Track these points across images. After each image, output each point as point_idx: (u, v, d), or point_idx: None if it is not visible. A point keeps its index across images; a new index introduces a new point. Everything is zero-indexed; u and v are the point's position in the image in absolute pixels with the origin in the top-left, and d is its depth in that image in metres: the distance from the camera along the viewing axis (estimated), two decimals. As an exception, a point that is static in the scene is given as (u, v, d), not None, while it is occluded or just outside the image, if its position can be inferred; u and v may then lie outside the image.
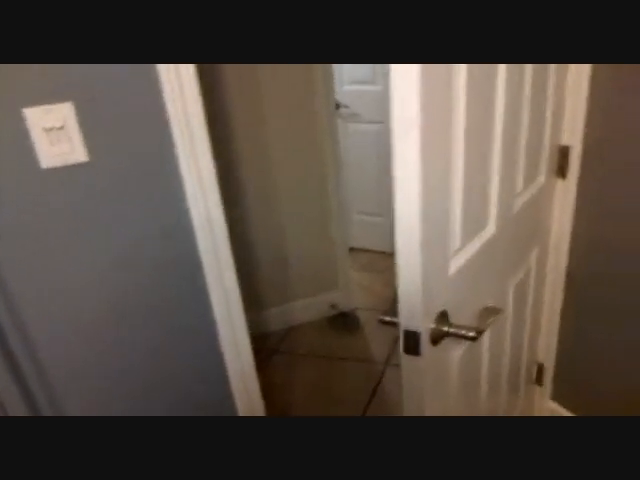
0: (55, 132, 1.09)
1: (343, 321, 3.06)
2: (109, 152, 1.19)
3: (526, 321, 1.62)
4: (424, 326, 0.97)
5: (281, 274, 2.94)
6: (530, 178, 1.38)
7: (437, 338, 1.02)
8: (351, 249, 3.66)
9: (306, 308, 3.07)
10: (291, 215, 2.80)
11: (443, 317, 1.03)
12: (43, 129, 1.09)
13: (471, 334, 0.99)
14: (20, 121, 1.09)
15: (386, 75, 3.16)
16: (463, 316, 1.12)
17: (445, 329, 1.02)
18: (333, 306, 3.10)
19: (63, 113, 1.09)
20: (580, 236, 1.65)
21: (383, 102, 3.24)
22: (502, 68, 1.06)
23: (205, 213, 1.32)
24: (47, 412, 1.37)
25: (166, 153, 1.25)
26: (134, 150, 1.22)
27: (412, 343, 0.99)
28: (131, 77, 1.16)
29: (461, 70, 0.91)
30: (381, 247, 3.70)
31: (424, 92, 0.79)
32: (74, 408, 1.40)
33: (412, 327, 0.97)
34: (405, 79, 0.78)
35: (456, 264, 1.06)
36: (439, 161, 0.90)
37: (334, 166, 2.75)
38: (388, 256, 3.65)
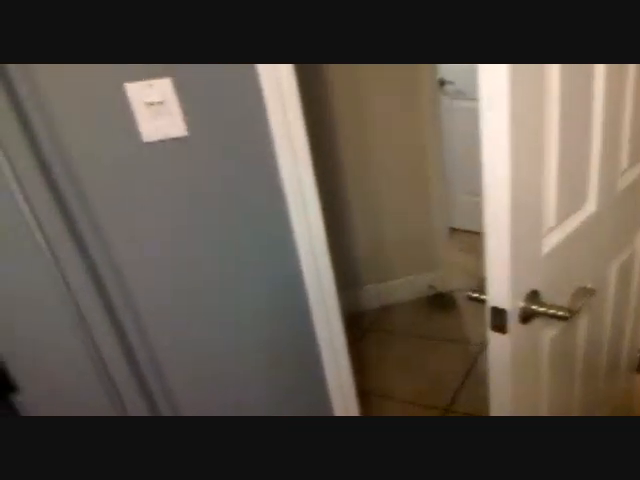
0: (156, 106, 1.16)
1: (440, 302, 3.01)
2: (207, 128, 1.24)
3: (629, 305, 1.51)
4: (512, 304, 0.94)
5: (379, 252, 2.94)
6: (637, 156, 1.27)
7: (527, 317, 0.99)
8: (454, 230, 3.58)
9: (403, 287, 3.05)
10: (391, 194, 2.78)
11: (534, 296, 0.99)
12: (145, 103, 1.15)
13: (561, 313, 0.95)
14: (123, 95, 1.15)
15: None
16: (558, 296, 1.06)
17: (535, 308, 0.97)
18: (431, 286, 3.06)
19: (163, 88, 1.15)
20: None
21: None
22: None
23: (300, 195, 1.34)
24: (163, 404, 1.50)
25: (260, 126, 1.28)
26: (232, 131, 1.27)
27: (499, 320, 0.96)
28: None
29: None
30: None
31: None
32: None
33: (499, 304, 0.94)
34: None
35: (550, 243, 1.01)
36: (531, 132, 0.85)
37: (436, 144, 2.69)
38: (490, 237, 3.52)
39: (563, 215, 1.03)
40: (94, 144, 1.19)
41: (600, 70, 0.99)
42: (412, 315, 2.94)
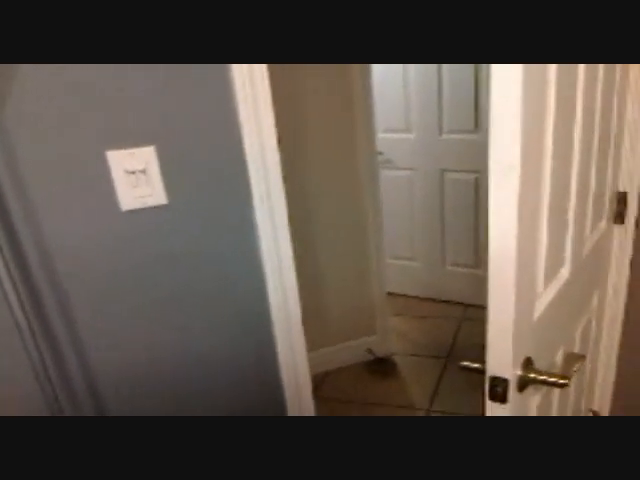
0: (137, 175, 1.11)
1: (380, 366, 3.01)
2: (187, 195, 1.21)
3: (586, 367, 1.58)
4: (512, 373, 0.95)
5: (318, 318, 2.92)
6: (595, 222, 1.37)
7: (523, 385, 1.00)
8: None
9: (342, 352, 3.04)
10: (329, 259, 2.80)
11: (529, 363, 1.01)
12: (125, 171, 1.10)
13: (561, 381, 0.97)
14: (103, 163, 1.11)
15: (418, 124, 3.21)
16: (544, 362, 1.09)
17: (532, 376, 0.99)
18: (369, 351, 3.06)
19: (145, 156, 1.11)
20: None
21: (415, 149, 3.29)
22: (578, 111, 1.07)
23: (276, 256, 1.33)
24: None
25: (242, 196, 1.27)
26: (211, 193, 1.24)
27: (500, 390, 0.96)
28: (211, 124, 1.19)
29: (550, 114, 0.92)
30: (414, 291, 3.68)
31: (524, 136, 0.80)
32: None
33: (501, 373, 0.95)
34: (506, 126, 0.79)
35: (539, 308, 1.04)
36: (530, 204, 0.90)
37: (373, 210, 2.76)
38: (421, 300, 3.63)
39: (547, 280, 1.07)
40: (70, 212, 1.12)
41: (578, 137, 1.07)
42: (353, 381, 2.92)
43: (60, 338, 1.21)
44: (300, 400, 1.60)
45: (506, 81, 0.76)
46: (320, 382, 2.94)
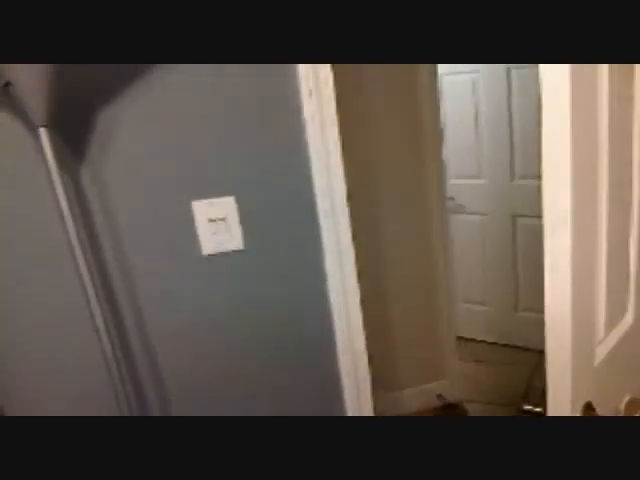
0: (217, 223, 1.23)
1: (450, 413, 2.98)
2: (262, 241, 1.33)
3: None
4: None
5: (387, 362, 2.94)
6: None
7: (583, 430, 1.01)
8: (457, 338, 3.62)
9: (411, 397, 3.02)
10: (399, 301, 2.83)
11: (589, 408, 1.02)
12: (208, 220, 1.23)
13: (623, 427, 0.97)
14: (188, 212, 1.24)
15: (490, 170, 3.24)
16: (607, 407, 1.09)
17: (593, 420, 1.00)
18: (440, 396, 3.04)
19: (225, 206, 1.23)
20: None
21: (486, 195, 3.31)
22: (636, 152, 1.09)
23: (344, 300, 1.41)
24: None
25: (313, 245, 1.38)
26: (284, 240, 1.35)
27: (559, 434, 0.98)
28: (284, 176, 1.31)
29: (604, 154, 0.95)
30: (487, 337, 3.63)
31: (574, 183, 0.84)
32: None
33: (560, 417, 0.97)
34: (558, 175, 0.84)
35: (601, 354, 1.05)
36: (587, 252, 0.93)
37: (444, 256, 2.79)
38: (492, 346, 3.57)
39: (609, 327, 1.08)
40: (156, 255, 1.25)
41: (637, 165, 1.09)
42: (422, 427, 2.89)
43: (142, 374, 1.33)
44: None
45: (555, 123, 0.81)
46: (389, 426, 2.93)
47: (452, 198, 3.40)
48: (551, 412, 0.98)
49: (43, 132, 1.02)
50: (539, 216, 3.05)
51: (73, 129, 1.16)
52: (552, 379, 0.97)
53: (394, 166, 2.58)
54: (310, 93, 1.26)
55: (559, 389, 0.96)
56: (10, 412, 1.26)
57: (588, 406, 1.02)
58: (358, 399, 1.54)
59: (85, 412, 1.30)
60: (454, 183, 3.39)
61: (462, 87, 3.18)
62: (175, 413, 1.38)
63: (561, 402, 0.97)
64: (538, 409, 1.06)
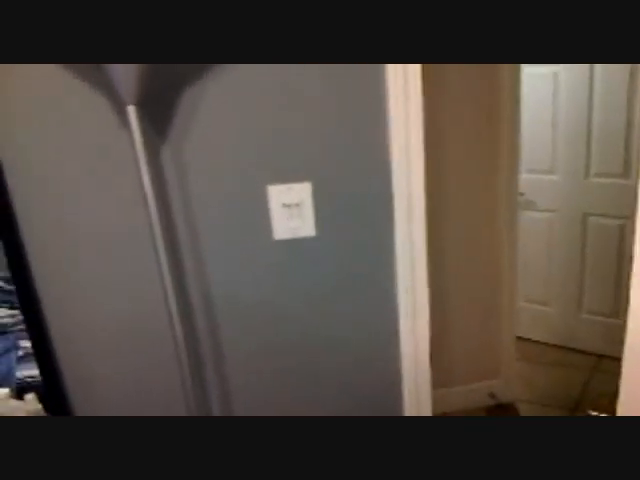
0: (292, 208, 1.23)
1: (501, 413, 2.92)
2: (334, 228, 1.32)
3: None
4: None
5: (442, 357, 2.90)
6: None
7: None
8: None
9: (463, 395, 2.98)
10: (459, 296, 2.78)
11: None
12: (282, 205, 1.23)
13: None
14: (264, 196, 1.25)
15: (564, 166, 3.12)
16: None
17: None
18: (492, 395, 2.98)
19: (301, 192, 1.23)
20: None
21: (558, 192, 3.20)
22: None
23: (412, 291, 1.39)
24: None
25: (385, 240, 1.37)
26: (355, 228, 1.34)
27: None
28: (362, 163, 1.30)
29: None
30: (545, 338, 3.53)
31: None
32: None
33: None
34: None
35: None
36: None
37: (510, 251, 2.72)
38: (551, 347, 3.48)
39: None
40: (228, 237, 1.26)
41: None
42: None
43: (206, 357, 1.36)
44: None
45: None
46: (439, 420, 2.90)
47: (522, 193, 3.30)
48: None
49: (132, 110, 1.04)
50: (612, 216, 2.93)
51: (158, 110, 1.18)
52: (626, 385, 0.94)
53: (466, 156, 2.52)
54: (396, 94, 1.24)
55: (633, 394, 0.93)
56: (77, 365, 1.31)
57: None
58: (417, 397, 1.53)
59: (152, 381, 1.35)
60: (525, 178, 3.28)
61: (542, 79, 3.08)
62: (237, 398, 1.40)
63: (632, 409, 0.93)
64: (604, 415, 1.03)
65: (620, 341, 3.16)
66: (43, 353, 1.25)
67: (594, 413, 1.07)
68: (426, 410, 1.56)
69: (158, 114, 1.18)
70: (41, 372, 1.26)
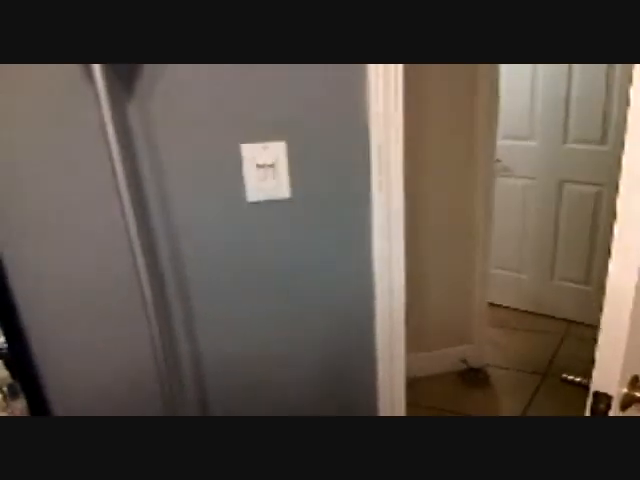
0: (266, 169, 1.21)
1: (472, 377, 2.98)
2: (309, 190, 1.30)
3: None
4: (617, 390, 0.94)
5: (415, 322, 2.93)
6: None
7: (627, 404, 0.99)
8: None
9: (436, 359, 3.02)
10: (433, 262, 2.79)
11: (636, 382, 0.99)
12: (256, 165, 1.20)
13: (672, 404, 0.95)
14: (237, 155, 1.21)
15: (542, 132, 3.13)
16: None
17: (638, 395, 0.98)
18: (464, 360, 3.03)
19: (276, 151, 1.21)
20: None
21: (535, 158, 3.21)
22: None
23: (388, 254, 1.38)
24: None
25: (361, 197, 1.35)
26: (331, 190, 1.32)
27: (602, 407, 0.96)
28: (340, 123, 1.27)
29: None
30: (516, 304, 3.59)
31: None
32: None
33: (606, 390, 0.95)
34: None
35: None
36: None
37: (485, 218, 2.73)
38: (523, 313, 3.54)
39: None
40: (200, 200, 1.24)
41: None
42: (443, 389, 2.90)
43: (175, 316, 1.34)
44: (393, 402, 1.64)
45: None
46: (408, 387, 2.94)
47: (498, 160, 3.30)
48: (596, 382, 0.96)
49: (97, 68, 1.00)
50: (589, 182, 2.93)
51: (124, 66, 1.12)
52: (603, 350, 0.94)
53: (444, 123, 2.50)
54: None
55: (609, 360, 0.94)
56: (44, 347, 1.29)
57: (635, 379, 0.99)
58: (391, 360, 1.54)
59: (121, 342, 1.34)
60: (502, 144, 3.27)
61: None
62: (206, 356, 1.39)
63: (609, 373, 0.94)
64: (579, 379, 1.04)
65: (590, 307, 3.21)
66: (7, 317, 1.21)
67: (570, 377, 1.08)
68: (399, 373, 1.57)
69: (124, 70, 1.12)
70: (7, 338, 1.23)
